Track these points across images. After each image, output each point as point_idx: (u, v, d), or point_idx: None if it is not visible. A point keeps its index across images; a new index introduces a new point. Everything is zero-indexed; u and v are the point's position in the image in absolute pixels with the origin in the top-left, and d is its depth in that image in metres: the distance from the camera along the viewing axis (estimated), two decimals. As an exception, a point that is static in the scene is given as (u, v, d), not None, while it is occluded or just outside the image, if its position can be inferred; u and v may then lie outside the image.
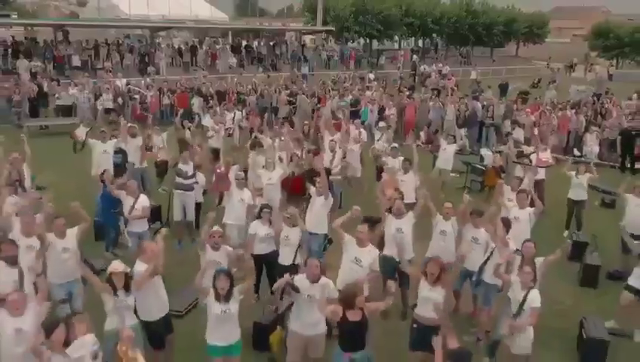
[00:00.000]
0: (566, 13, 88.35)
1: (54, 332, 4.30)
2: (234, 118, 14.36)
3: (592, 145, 15.35)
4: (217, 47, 33.66)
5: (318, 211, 7.62)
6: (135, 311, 5.35)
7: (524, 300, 5.39)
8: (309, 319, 5.29)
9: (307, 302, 5.25)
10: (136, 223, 7.80)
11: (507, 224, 6.66)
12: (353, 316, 4.88)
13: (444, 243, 7.03)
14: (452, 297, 6.55)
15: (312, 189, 7.85)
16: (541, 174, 10.68)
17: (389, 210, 6.97)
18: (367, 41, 43.27)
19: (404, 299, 6.96)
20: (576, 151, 15.67)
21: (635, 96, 23.39)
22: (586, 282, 8.38)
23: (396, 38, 44.27)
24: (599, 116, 17.55)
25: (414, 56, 37.43)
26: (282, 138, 10.78)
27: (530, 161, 10.99)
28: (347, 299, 4.92)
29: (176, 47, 33.36)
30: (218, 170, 9.22)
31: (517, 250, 6.25)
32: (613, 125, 15.86)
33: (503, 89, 25.78)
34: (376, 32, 39.87)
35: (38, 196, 7.40)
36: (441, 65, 37.18)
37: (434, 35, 45.95)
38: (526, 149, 11.98)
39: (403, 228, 6.81)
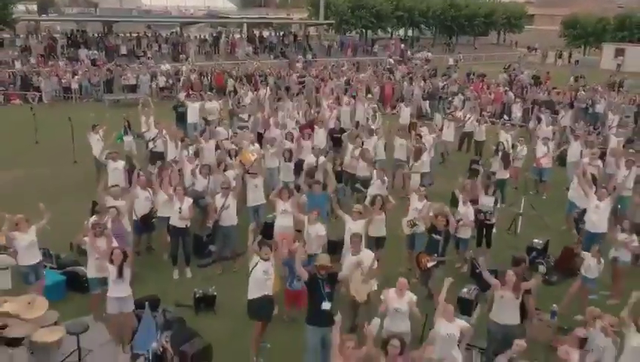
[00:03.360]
0: (555, 1, 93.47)
1: None
2: (265, 94, 20.01)
3: (516, 111, 21.50)
4: (236, 37, 39.84)
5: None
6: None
7: None
8: None
9: None
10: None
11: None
12: None
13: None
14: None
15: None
16: (481, 135, 16.40)
17: None
18: (363, 31, 49.36)
19: None
20: (505, 117, 21.90)
21: (572, 79, 29.63)
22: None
23: (388, 29, 50.39)
24: (524, 91, 23.81)
25: (402, 45, 43.63)
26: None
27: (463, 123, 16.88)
28: None
29: (202, 37, 39.52)
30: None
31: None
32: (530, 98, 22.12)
33: (467, 73, 32.03)
34: (370, 23, 45.97)
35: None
36: (427, 52, 43.43)
37: (421, 25, 52.06)
38: (457, 114, 18.02)
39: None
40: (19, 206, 8.62)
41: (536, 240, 9.73)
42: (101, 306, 7.26)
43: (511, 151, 13.09)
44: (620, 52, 44.21)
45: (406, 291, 6.59)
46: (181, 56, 34.68)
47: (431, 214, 8.28)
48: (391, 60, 38.19)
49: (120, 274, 6.80)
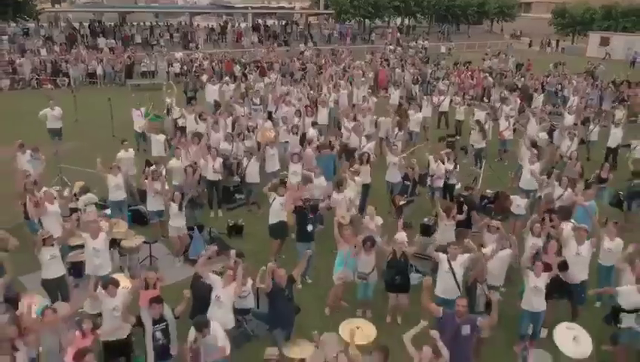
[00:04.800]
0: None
1: None
2: (276, 80, 22.60)
3: (494, 95, 24.17)
4: (242, 26, 42.35)
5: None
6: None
7: None
8: None
9: None
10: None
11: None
12: None
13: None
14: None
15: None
16: (461, 115, 18.95)
17: None
18: (362, 20, 51.79)
19: None
20: (485, 99, 24.59)
21: (551, 65, 32.21)
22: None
23: (385, 18, 52.84)
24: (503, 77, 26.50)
25: (398, 34, 46.14)
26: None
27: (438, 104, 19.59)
28: None
29: (210, 26, 42.03)
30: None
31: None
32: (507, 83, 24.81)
33: (455, 63, 34.58)
34: (368, 13, 48.44)
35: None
36: (421, 40, 45.93)
37: (417, 15, 54.49)
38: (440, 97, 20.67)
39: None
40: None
41: (488, 191, 12.49)
42: (158, 230, 10.13)
43: (486, 126, 15.82)
44: (604, 40, 46.69)
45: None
46: (191, 44, 37.27)
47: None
48: (391, 47, 40.83)
49: (180, 208, 9.59)
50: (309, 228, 9.02)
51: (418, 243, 8.91)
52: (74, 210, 9.95)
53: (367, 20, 51.38)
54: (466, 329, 5.91)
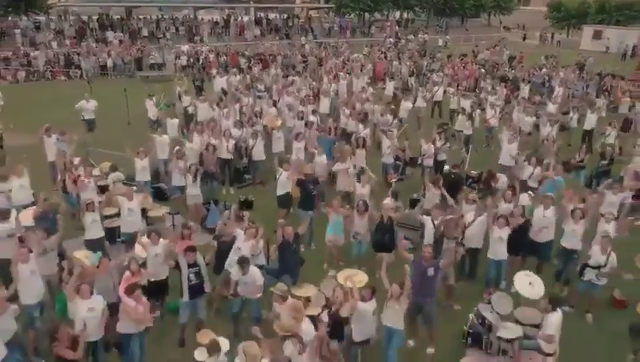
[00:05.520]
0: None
1: None
2: (277, 71, 24.07)
3: (486, 86, 25.47)
4: (245, 19, 43.61)
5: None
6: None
7: None
8: None
9: None
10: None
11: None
12: None
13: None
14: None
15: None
16: (454, 104, 20.27)
17: None
18: (361, 14, 53.00)
19: None
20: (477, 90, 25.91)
21: (542, 58, 33.47)
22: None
23: (384, 11, 54.04)
24: (495, 70, 27.83)
25: (396, 27, 47.39)
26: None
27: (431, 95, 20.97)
28: None
29: (214, 20, 43.30)
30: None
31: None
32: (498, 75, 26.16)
33: (448, 55, 35.79)
34: (367, 7, 49.64)
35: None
36: (421, 34, 47.17)
37: (416, 8, 55.70)
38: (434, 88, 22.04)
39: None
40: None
41: (473, 171, 13.87)
42: (179, 204, 11.54)
43: (474, 114, 17.19)
44: (597, 34, 47.86)
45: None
46: (196, 37, 38.56)
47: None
48: (391, 39, 42.12)
49: (194, 179, 11.00)
50: (313, 192, 10.47)
51: (406, 214, 10.28)
52: (104, 187, 11.37)
53: (366, 14, 52.58)
54: (430, 271, 7.32)
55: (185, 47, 32.52)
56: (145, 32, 37.32)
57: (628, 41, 43.69)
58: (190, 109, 17.24)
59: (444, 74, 25.59)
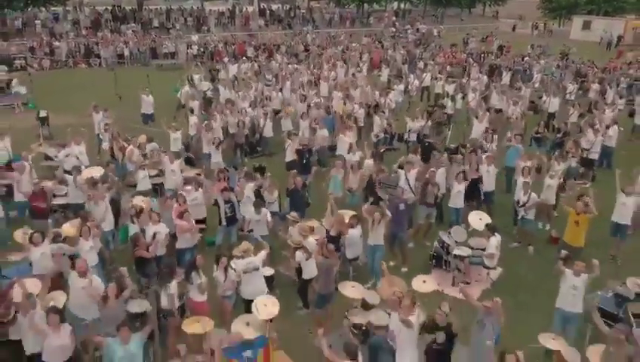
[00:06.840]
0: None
1: None
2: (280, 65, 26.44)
3: (474, 73, 27.83)
4: (249, 10, 45.88)
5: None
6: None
7: None
8: None
9: None
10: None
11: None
12: None
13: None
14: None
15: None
16: (440, 88, 22.84)
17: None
18: (360, 4, 55.21)
19: None
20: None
21: (529, 47, 35.79)
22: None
23: (383, 2, 56.29)
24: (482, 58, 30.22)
25: (393, 18, 49.65)
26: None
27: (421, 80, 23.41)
28: None
29: (220, 11, 45.56)
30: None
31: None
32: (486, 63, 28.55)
33: (439, 46, 38.14)
34: (366, -2, 52.01)
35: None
36: (418, 24, 49.42)
37: (413, -1, 58.03)
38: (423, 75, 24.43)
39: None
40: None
41: (452, 145, 16.31)
42: (207, 169, 14.05)
43: (456, 97, 19.67)
44: (587, 24, 50.01)
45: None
46: (203, 27, 40.84)
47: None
48: (393, 29, 44.41)
49: (217, 148, 13.54)
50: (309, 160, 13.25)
51: (387, 176, 12.76)
52: (144, 156, 13.85)
53: (365, 4, 54.75)
54: (401, 206, 9.88)
55: (195, 37, 34.89)
56: (156, 23, 39.59)
57: (614, 31, 45.85)
58: (209, 93, 19.71)
59: (435, 62, 27.96)
